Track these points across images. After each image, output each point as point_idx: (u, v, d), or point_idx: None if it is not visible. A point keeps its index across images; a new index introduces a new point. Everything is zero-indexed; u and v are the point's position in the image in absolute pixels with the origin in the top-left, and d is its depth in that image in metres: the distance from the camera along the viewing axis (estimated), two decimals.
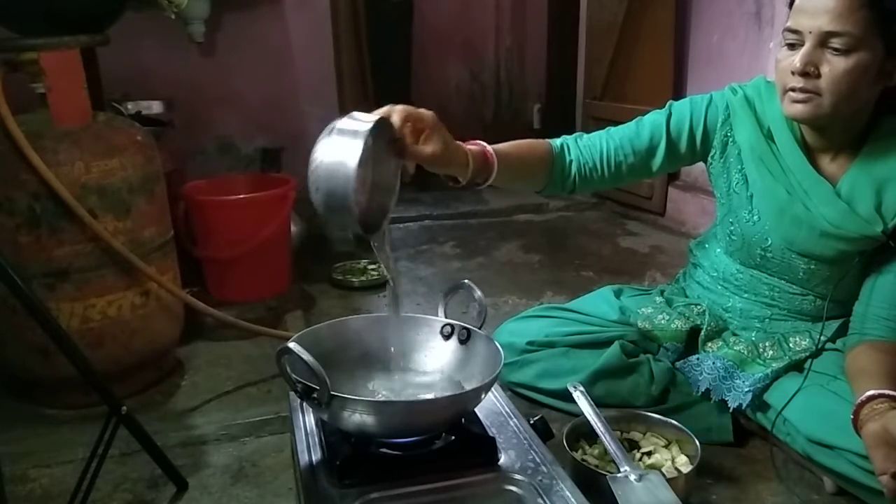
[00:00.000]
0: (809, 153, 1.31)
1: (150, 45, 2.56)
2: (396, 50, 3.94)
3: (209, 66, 2.77)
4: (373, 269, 2.48)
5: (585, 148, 1.39)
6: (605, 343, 1.55)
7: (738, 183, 1.39)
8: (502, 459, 1.00)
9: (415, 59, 4.10)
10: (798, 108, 1.20)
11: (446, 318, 1.16)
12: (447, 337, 1.15)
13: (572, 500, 0.91)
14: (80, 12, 1.56)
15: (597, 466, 1.24)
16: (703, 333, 1.47)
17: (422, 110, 1.05)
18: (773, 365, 1.37)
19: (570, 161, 1.37)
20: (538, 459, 1.00)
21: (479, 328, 1.12)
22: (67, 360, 1.19)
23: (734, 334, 1.47)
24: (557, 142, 1.38)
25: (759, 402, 1.37)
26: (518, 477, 0.96)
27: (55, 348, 1.18)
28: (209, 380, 1.73)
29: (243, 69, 2.81)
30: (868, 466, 1.15)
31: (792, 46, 1.19)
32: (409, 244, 2.87)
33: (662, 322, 1.53)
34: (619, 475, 1.11)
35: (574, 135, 1.42)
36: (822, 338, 1.36)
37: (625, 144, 1.39)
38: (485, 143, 1.21)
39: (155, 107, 2.40)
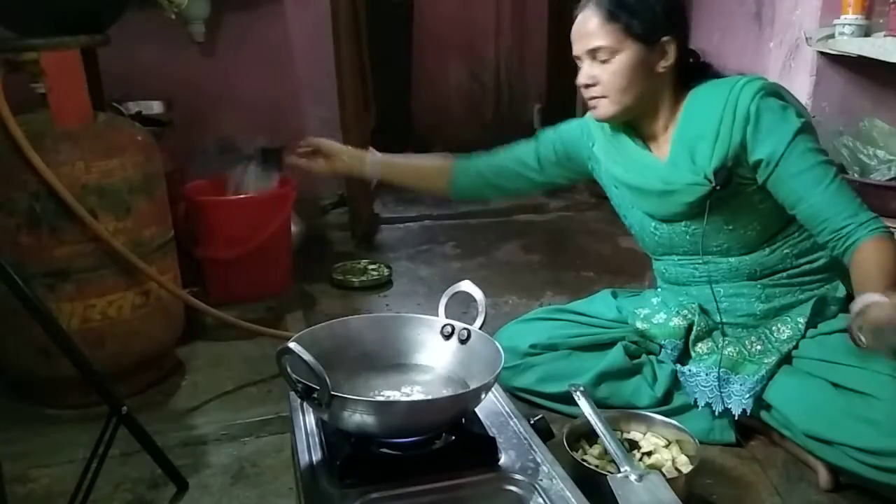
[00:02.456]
0: (645, 144, 1.48)
1: (151, 45, 2.56)
2: (397, 50, 3.94)
3: (209, 66, 2.77)
4: (373, 269, 2.48)
5: (477, 165, 1.66)
6: (607, 345, 1.55)
7: (612, 187, 1.55)
8: (502, 459, 1.00)
9: (415, 59, 4.10)
10: (595, 112, 1.43)
11: (446, 318, 1.16)
12: (447, 337, 1.15)
13: (572, 500, 0.91)
14: (80, 12, 1.56)
15: (597, 467, 1.24)
16: (693, 334, 1.48)
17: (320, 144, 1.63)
18: (765, 360, 1.38)
19: (463, 175, 1.67)
20: (538, 459, 1.00)
21: (480, 328, 1.12)
22: (68, 360, 1.19)
23: (723, 334, 1.48)
24: (456, 163, 1.68)
25: (758, 402, 1.37)
26: (518, 477, 0.96)
27: (56, 348, 1.18)
28: (209, 380, 1.73)
29: (244, 69, 2.80)
30: (864, 459, 1.18)
31: (580, 68, 1.42)
32: (410, 244, 2.87)
33: (660, 321, 1.53)
34: (619, 475, 1.11)
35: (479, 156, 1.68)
36: (761, 297, 1.44)
37: (509, 163, 1.65)
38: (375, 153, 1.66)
39: (155, 107, 2.40)
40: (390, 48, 3.84)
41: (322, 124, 2.99)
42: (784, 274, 1.43)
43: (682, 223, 1.44)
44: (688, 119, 1.40)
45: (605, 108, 1.40)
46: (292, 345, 0.92)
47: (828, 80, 2.08)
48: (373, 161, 1.65)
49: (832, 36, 2.00)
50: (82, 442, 1.38)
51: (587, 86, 1.40)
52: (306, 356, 0.90)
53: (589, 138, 1.56)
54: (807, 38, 2.06)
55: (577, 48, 1.40)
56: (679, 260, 1.51)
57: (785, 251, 1.42)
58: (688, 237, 1.45)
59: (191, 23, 2.59)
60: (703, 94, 1.39)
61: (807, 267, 1.42)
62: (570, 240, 2.92)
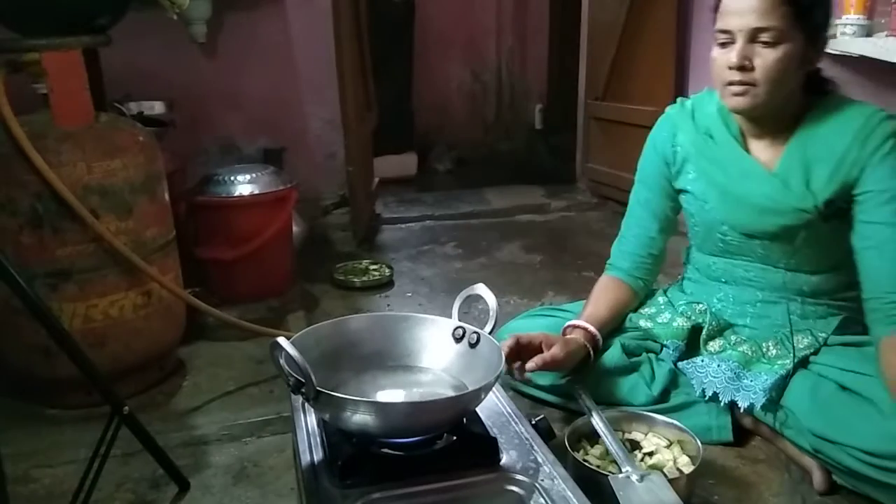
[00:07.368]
0: (745, 143, 1.41)
1: (152, 46, 2.57)
2: (398, 50, 3.94)
3: (211, 66, 2.78)
4: (374, 270, 2.48)
5: (643, 267, 1.59)
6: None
7: (691, 180, 1.47)
8: (504, 460, 1.00)
9: (416, 60, 4.10)
10: (738, 100, 1.30)
11: (459, 320, 1.16)
12: (458, 340, 1.14)
13: (574, 500, 0.91)
14: (82, 13, 1.56)
15: (598, 467, 1.24)
16: (704, 333, 1.48)
17: (530, 338, 1.38)
18: (778, 363, 1.38)
19: (644, 284, 1.60)
20: (540, 460, 1.00)
21: (490, 333, 1.12)
22: (69, 360, 1.19)
23: (735, 333, 1.48)
24: (629, 280, 1.58)
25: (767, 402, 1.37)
26: (519, 477, 0.96)
27: (57, 348, 1.19)
28: (211, 380, 1.73)
29: (245, 69, 2.81)
30: (869, 460, 1.17)
31: (724, 45, 1.29)
32: (411, 244, 2.87)
33: (664, 320, 1.54)
34: (620, 475, 1.11)
35: (625, 258, 1.62)
36: (797, 312, 1.42)
37: (653, 234, 1.57)
38: (585, 324, 1.46)
39: (157, 107, 2.40)
40: (391, 48, 3.84)
41: (323, 125, 3.00)
42: (826, 298, 1.42)
43: (761, 240, 1.39)
44: (810, 134, 1.32)
45: (752, 98, 1.27)
46: (281, 340, 0.92)
47: None
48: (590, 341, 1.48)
49: (834, 36, 1.99)
50: (84, 442, 1.38)
51: (741, 68, 1.25)
52: (292, 351, 0.90)
53: (672, 128, 1.48)
54: None
55: (736, 23, 1.25)
56: (733, 260, 1.47)
57: (840, 279, 1.40)
58: (760, 251, 1.41)
59: (192, 23, 2.59)
60: (832, 113, 1.31)
61: (849, 294, 1.41)
62: (571, 240, 2.92)
